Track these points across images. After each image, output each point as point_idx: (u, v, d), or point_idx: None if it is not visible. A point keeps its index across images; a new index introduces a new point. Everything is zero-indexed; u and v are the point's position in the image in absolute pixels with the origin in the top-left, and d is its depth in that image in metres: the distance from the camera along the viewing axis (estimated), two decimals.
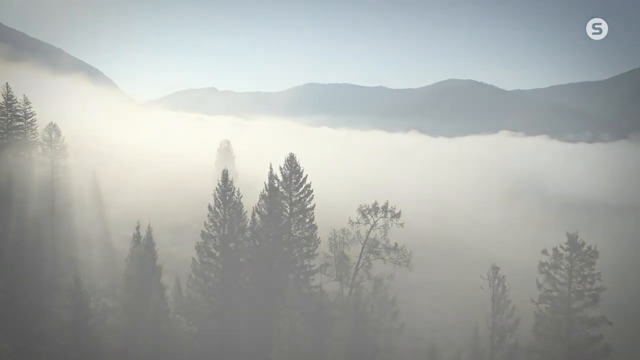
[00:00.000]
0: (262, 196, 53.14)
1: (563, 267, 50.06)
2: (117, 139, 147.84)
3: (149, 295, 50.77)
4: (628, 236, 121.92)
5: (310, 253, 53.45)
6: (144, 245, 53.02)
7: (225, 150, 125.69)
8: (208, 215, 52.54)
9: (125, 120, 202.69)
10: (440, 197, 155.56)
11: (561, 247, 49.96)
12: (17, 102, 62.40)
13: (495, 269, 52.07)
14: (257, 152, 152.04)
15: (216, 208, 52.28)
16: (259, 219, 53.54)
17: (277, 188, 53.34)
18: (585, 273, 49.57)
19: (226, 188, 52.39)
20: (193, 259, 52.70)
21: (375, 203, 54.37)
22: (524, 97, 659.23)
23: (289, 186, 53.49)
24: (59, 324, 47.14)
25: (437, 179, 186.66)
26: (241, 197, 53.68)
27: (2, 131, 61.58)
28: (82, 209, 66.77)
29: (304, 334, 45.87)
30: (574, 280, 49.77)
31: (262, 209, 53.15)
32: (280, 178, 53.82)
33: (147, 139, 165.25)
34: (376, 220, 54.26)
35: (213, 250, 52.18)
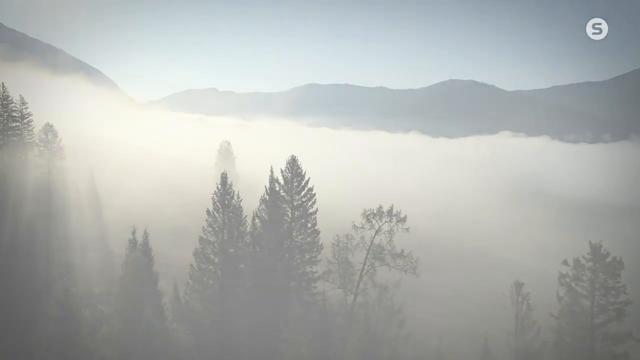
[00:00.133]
0: (263, 200, 51.14)
1: (585, 279, 47.15)
2: (117, 139, 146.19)
3: (145, 304, 49.10)
4: (636, 238, 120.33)
5: (313, 259, 51.40)
6: (140, 251, 51.38)
7: (226, 151, 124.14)
8: (206, 220, 50.60)
9: (125, 120, 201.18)
10: (442, 199, 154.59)
11: (583, 257, 47.18)
12: (13, 102, 60.90)
13: (519, 285, 49.16)
14: (257, 153, 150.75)
15: (215, 212, 50.32)
16: (259, 224, 51.50)
17: (279, 192, 51.32)
18: (609, 285, 46.65)
19: (225, 192, 50.42)
20: (191, 265, 50.75)
21: (380, 207, 52.27)
22: (525, 98, 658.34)
23: (291, 189, 51.47)
24: (47, 338, 44.92)
25: (438, 180, 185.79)
26: (241, 200, 51.72)
27: None
28: (79, 211, 65.14)
29: (307, 344, 43.94)
30: (597, 293, 46.78)
31: (263, 213, 51.15)
32: (282, 181, 51.80)
33: (146, 139, 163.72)
34: (381, 225, 52.16)
35: (211, 257, 50.21)
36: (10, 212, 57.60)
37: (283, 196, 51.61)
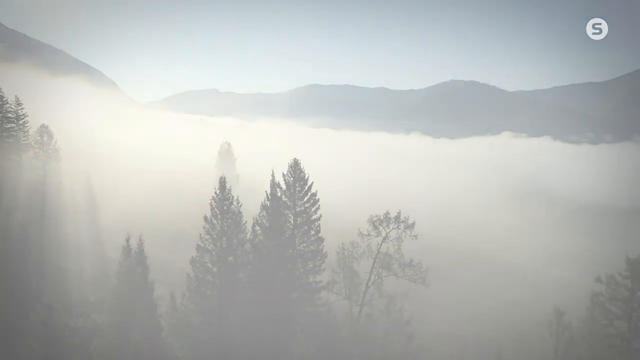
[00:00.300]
0: (264, 206, 48.29)
1: (621, 297, 42.95)
2: (116, 140, 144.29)
3: (139, 315, 46.64)
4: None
5: (316, 268, 48.56)
6: (134, 259, 48.97)
7: (226, 152, 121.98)
8: (204, 227, 47.92)
9: (125, 121, 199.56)
10: (444, 199, 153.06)
11: (619, 274, 43.14)
12: (8, 103, 60.30)
13: (559, 313, 45.40)
14: (258, 154, 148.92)
15: (213, 219, 47.63)
16: (259, 231, 48.70)
17: (280, 197, 48.48)
18: None
19: (224, 197, 47.73)
20: (187, 275, 48.05)
21: (387, 213, 49.53)
22: (526, 98, 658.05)
23: (293, 195, 48.64)
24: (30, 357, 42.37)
25: (440, 181, 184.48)
26: (240, 205, 49.05)
27: None
28: (75, 215, 63.97)
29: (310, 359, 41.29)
30: (635, 314, 42.47)
31: (264, 220, 48.27)
32: (284, 186, 48.94)
33: (146, 140, 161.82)
34: (388, 232, 49.44)
35: (209, 266, 47.51)
36: (2, 215, 56.50)
37: (285, 202, 48.79)
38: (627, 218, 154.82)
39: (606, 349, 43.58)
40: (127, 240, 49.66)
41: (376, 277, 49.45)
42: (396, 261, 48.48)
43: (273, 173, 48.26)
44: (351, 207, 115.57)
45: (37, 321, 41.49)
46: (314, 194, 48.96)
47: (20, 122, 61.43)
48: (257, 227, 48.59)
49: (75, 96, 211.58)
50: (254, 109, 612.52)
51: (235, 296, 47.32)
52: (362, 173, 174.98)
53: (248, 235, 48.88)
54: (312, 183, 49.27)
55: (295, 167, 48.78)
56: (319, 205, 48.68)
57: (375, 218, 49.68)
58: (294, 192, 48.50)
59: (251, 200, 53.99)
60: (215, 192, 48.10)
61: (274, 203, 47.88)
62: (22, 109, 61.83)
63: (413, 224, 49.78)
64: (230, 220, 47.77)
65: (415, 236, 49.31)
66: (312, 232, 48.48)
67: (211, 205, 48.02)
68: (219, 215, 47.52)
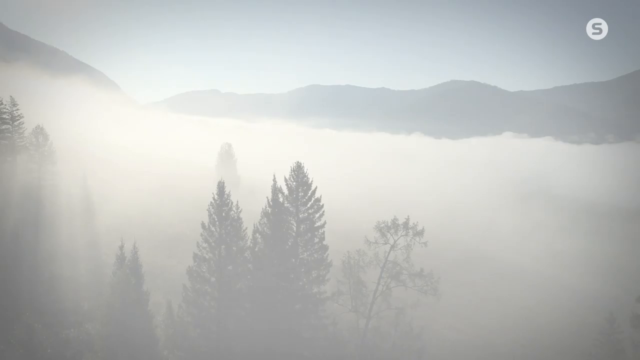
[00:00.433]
0: (265, 213, 45.48)
1: None
2: (116, 142, 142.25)
3: (133, 328, 44.09)
4: None
5: (321, 278, 45.76)
6: (128, 267, 46.47)
7: (226, 153, 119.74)
8: (201, 235, 45.25)
9: (125, 122, 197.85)
10: (447, 200, 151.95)
11: None
12: (2, 104, 59.62)
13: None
14: (259, 155, 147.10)
15: (211, 226, 44.92)
16: (260, 239, 45.88)
17: (282, 203, 45.70)
18: None
19: (222, 202, 45.03)
20: (184, 286, 45.36)
21: (395, 219, 46.79)
22: (527, 98, 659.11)
23: (296, 200, 45.82)
24: None
25: (442, 181, 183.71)
26: (240, 211, 46.40)
27: None
28: (70, 219, 62.49)
29: None
30: None
31: (265, 228, 45.47)
32: (286, 191, 46.19)
33: (146, 142, 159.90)
34: (396, 240, 46.66)
35: (207, 275, 44.76)
36: None
37: (287, 207, 46.00)
38: (631, 219, 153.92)
39: None
40: (121, 248, 47.42)
41: (384, 288, 46.65)
42: (405, 271, 45.63)
43: (275, 178, 45.39)
44: (352, 207, 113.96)
45: (16, 343, 38.83)
46: (318, 200, 46.19)
47: (16, 123, 60.53)
48: (257, 235, 45.75)
49: (75, 97, 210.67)
50: (255, 109, 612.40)
51: (234, 308, 44.61)
52: (363, 173, 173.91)
53: (248, 243, 46.21)
54: (315, 188, 46.52)
55: (298, 171, 45.98)
56: (324, 211, 45.87)
57: (383, 224, 46.94)
58: (296, 197, 45.69)
59: (252, 204, 52.11)
60: (214, 198, 45.45)
61: (276, 209, 45.09)
62: (18, 109, 60.85)
63: (422, 230, 47.12)
64: (229, 227, 45.13)
65: (425, 243, 46.63)
66: (316, 240, 45.67)
67: (209, 212, 45.40)
68: (217, 222, 44.86)
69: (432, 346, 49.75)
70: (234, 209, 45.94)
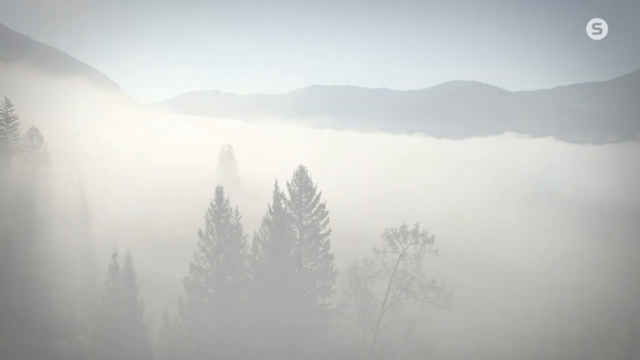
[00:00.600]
0: (266, 221, 42.60)
1: None
2: (114, 143, 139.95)
3: (126, 342, 41.62)
4: None
5: (325, 289, 42.92)
6: (121, 278, 44.04)
7: (227, 155, 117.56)
8: (198, 244, 42.58)
9: (124, 123, 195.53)
10: (449, 201, 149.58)
11: None
12: None
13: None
14: (260, 156, 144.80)
15: (209, 234, 42.17)
16: (261, 248, 43.01)
17: (285, 210, 42.82)
18: None
19: (221, 209, 42.40)
20: (180, 298, 42.65)
21: (404, 226, 43.97)
22: (529, 98, 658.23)
23: (299, 206, 43.00)
24: None
25: (444, 182, 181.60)
26: (240, 217, 43.74)
27: None
28: (65, 223, 60.95)
29: None
30: None
31: (266, 236, 42.61)
32: (288, 197, 43.35)
33: (146, 142, 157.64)
34: (405, 248, 43.84)
35: (205, 286, 42.03)
36: None
37: (290, 214, 43.13)
38: (634, 220, 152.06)
39: None
40: (114, 257, 45.13)
41: (393, 299, 43.74)
42: (416, 281, 42.76)
43: (276, 183, 42.50)
44: (353, 208, 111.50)
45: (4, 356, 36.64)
46: (323, 206, 43.33)
47: (11, 124, 60.15)
48: (258, 244, 42.90)
49: (74, 97, 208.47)
50: (255, 110, 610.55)
51: (234, 321, 41.75)
52: (364, 174, 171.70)
53: (248, 251, 43.48)
54: (320, 193, 43.62)
55: (302, 176, 43.12)
56: (328, 218, 42.97)
57: (391, 232, 44.04)
58: (300, 203, 42.87)
59: (252, 207, 49.96)
60: (211, 204, 42.81)
61: (278, 217, 42.20)
62: (12, 110, 60.34)
63: (432, 237, 44.44)
64: (228, 235, 42.46)
65: (436, 251, 43.90)
66: (321, 249, 42.85)
67: (206, 219, 42.74)
68: (215, 230, 42.19)
69: (442, 357, 47.24)
70: (233, 215, 43.43)
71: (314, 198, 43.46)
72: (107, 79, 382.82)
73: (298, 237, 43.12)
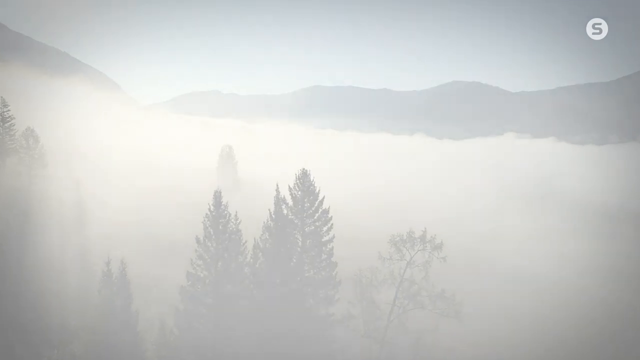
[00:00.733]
0: (267, 227, 40.54)
1: None
2: (112, 144, 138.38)
3: (119, 353, 39.76)
4: None
5: (329, 299, 40.82)
6: (115, 286, 42.21)
7: (227, 155, 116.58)
8: (196, 251, 40.53)
9: (124, 123, 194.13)
10: (450, 202, 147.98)
11: None
12: None
13: None
14: (261, 157, 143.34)
15: (207, 241, 40.13)
16: (261, 255, 40.95)
17: (286, 215, 40.75)
18: None
19: (219, 214, 40.38)
20: (176, 308, 40.65)
21: (411, 232, 41.93)
22: (530, 99, 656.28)
23: (301, 212, 40.95)
24: None
25: (445, 182, 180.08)
26: (239, 222, 41.70)
27: None
28: (60, 226, 58.78)
29: None
30: None
31: (267, 244, 40.54)
32: (290, 202, 41.26)
33: (146, 143, 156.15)
34: (413, 255, 41.79)
35: (202, 296, 40.01)
36: None
37: (292, 220, 41.06)
38: (635, 220, 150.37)
39: None
40: (108, 264, 43.33)
41: (400, 310, 41.56)
42: (424, 291, 40.68)
43: (277, 188, 40.38)
44: (354, 209, 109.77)
45: None
46: (326, 211, 41.23)
47: (6, 124, 59.29)
48: (258, 252, 40.82)
49: (74, 97, 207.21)
50: (256, 110, 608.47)
51: (233, 332, 39.73)
52: (365, 175, 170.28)
53: (248, 258, 41.43)
54: (323, 198, 41.51)
55: (304, 179, 41.04)
56: (332, 224, 40.89)
57: (398, 238, 41.97)
58: (302, 208, 40.79)
59: (253, 210, 47.76)
60: (209, 209, 40.77)
61: (279, 223, 40.13)
62: (9, 110, 59.52)
63: (441, 244, 42.38)
64: (227, 242, 40.40)
65: (444, 258, 41.86)
66: (324, 256, 40.78)
67: (204, 224, 40.72)
68: (213, 237, 40.11)
69: None
70: (232, 220, 41.42)
71: (317, 203, 41.40)
72: (107, 78, 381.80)
73: (300, 244, 41.04)
